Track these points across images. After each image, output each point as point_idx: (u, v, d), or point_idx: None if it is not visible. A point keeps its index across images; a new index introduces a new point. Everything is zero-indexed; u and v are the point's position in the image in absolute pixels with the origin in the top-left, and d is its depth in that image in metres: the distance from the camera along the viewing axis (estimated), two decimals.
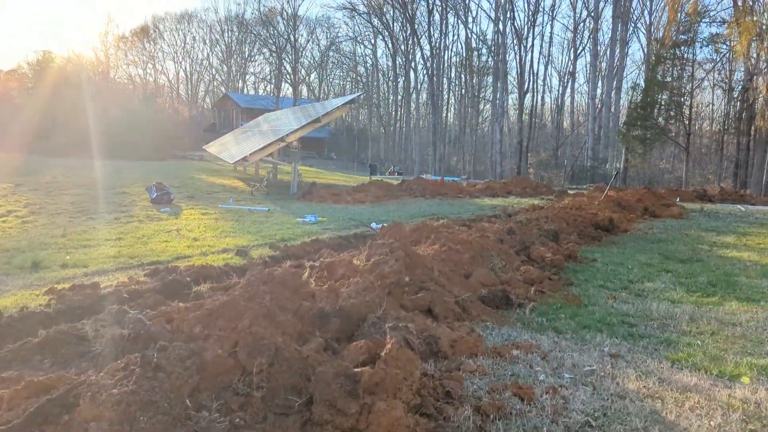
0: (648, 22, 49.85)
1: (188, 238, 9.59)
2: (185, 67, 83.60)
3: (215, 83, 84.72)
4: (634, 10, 47.96)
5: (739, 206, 21.16)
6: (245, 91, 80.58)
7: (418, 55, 61.20)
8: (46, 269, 7.06)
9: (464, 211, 16.03)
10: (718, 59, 39.66)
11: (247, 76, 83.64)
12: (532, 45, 51.68)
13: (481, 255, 6.83)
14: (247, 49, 78.14)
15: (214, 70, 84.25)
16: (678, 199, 21.80)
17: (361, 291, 4.10)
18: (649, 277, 7.44)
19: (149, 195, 14.78)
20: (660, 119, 38.88)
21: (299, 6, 69.42)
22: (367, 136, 62.95)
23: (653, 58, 40.14)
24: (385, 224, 11.64)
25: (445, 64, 61.17)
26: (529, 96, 53.26)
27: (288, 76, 67.39)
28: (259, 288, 3.63)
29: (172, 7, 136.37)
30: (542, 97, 66.12)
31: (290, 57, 64.18)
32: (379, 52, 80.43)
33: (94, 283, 5.77)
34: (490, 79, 58.68)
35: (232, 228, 10.81)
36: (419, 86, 66.19)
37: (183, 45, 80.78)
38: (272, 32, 64.29)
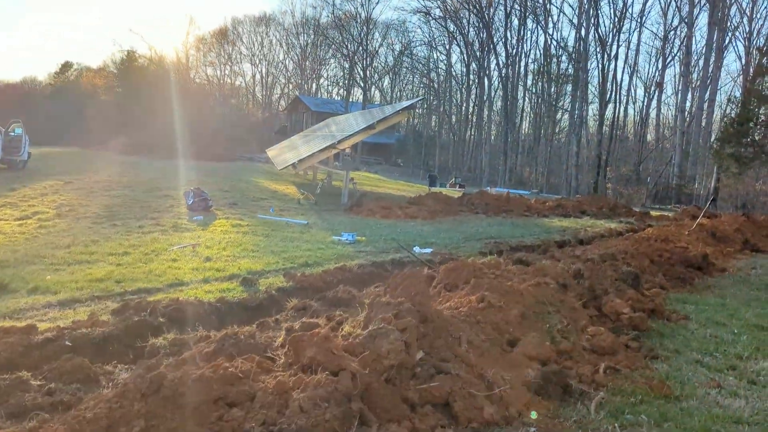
0: (747, 30, 45.79)
1: (201, 257, 8.40)
2: (261, 70, 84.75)
3: (290, 86, 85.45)
4: (731, 17, 44.19)
5: None
6: (319, 94, 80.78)
7: (493, 62, 59.01)
8: (9, 294, 5.99)
9: (528, 233, 14.22)
10: None
11: (321, 80, 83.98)
12: (617, 53, 48.33)
13: (534, 311, 5.19)
14: (320, 52, 78.25)
15: (289, 73, 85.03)
16: None
17: (322, 401, 2.63)
18: (763, 350, 5.56)
19: (186, 201, 13.85)
20: (758, 136, 35.18)
21: (373, 9, 68.46)
22: (435, 144, 61.28)
23: (753, 68, 36.45)
24: (430, 250, 10.13)
25: (521, 72, 58.79)
26: (610, 107, 50.04)
27: (359, 80, 66.71)
28: (131, 407, 2.24)
29: (251, 10, 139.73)
30: (625, 109, 62.46)
31: (362, 61, 63.44)
32: (454, 58, 78.34)
33: (29, 326, 4.55)
34: (568, 87, 55.86)
35: (257, 246, 9.57)
36: (493, 93, 63.93)
37: (260, 47, 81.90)
38: (346, 36, 63.80)
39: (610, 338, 5.17)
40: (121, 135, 42.13)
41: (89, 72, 62.16)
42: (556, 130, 64.23)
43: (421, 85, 77.66)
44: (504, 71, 56.78)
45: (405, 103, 23.75)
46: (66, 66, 62.54)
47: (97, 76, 59.06)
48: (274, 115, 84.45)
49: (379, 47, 71.09)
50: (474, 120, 65.16)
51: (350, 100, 65.88)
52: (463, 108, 68.67)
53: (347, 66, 66.14)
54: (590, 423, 3.73)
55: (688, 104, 46.53)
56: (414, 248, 10.24)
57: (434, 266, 9.21)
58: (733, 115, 36.71)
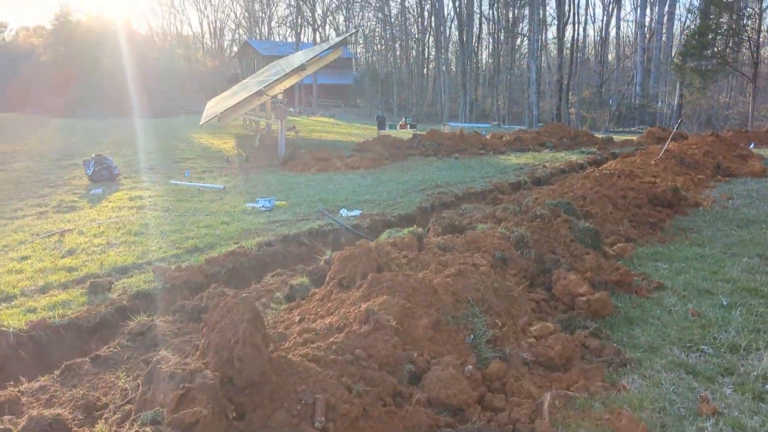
0: None
1: (63, 249, 6.71)
2: (208, 16, 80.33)
3: (240, 31, 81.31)
4: None
5: None
6: (272, 38, 76.80)
7: None
8: None
9: (480, 176, 12.73)
10: None
11: (273, 23, 79.84)
12: None
13: (453, 315, 3.70)
14: None
15: (238, 17, 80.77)
16: (752, 145, 17.90)
17: None
18: (765, 333, 4.18)
19: (86, 171, 11.96)
20: (720, 47, 33.80)
21: None
22: (393, 81, 58.84)
23: None
24: (359, 212, 8.58)
25: None
26: (569, 28, 48.01)
27: (308, 19, 63.19)
28: None
29: None
30: (584, 29, 60.58)
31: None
32: None
33: None
34: (526, 11, 53.38)
35: (145, 226, 7.88)
36: (449, 23, 61.13)
37: None
38: None
39: (561, 341, 3.73)
40: (60, 95, 39.39)
41: (25, 31, 58.07)
42: (517, 57, 62.14)
43: (377, 21, 74.08)
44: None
45: (337, 39, 21.68)
46: (0, 26, 58.14)
47: (34, 35, 55.23)
48: (226, 63, 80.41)
49: None
50: (431, 53, 62.57)
51: (302, 40, 62.44)
52: (421, 41, 65.91)
53: (294, 3, 62.38)
54: None
55: (647, 19, 44.85)
56: (341, 211, 8.67)
57: (363, 233, 7.71)
58: (694, 27, 35.23)
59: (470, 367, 3.32)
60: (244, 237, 7.21)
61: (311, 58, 15.28)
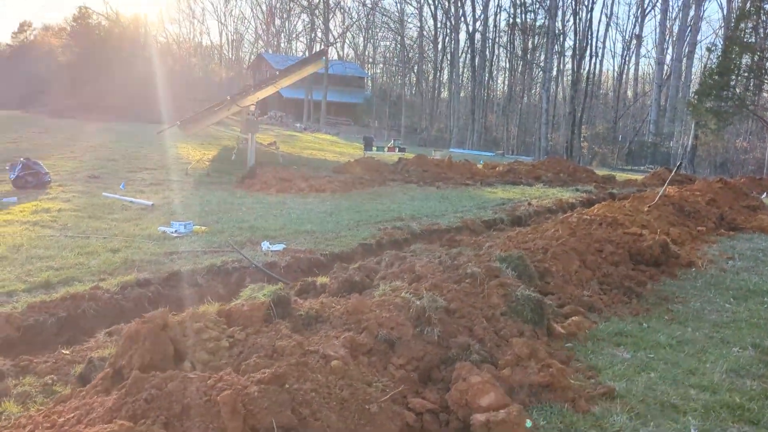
0: None
1: None
2: (228, 27, 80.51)
3: (259, 44, 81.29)
4: None
5: None
6: (290, 52, 76.45)
7: (468, 14, 55.11)
8: None
9: (454, 210, 11.36)
10: None
11: (291, 39, 79.69)
12: (593, 2, 44.73)
13: None
14: (286, 6, 73.64)
15: (259, 30, 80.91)
16: (765, 195, 16.39)
17: None
18: None
19: (9, 175, 10.74)
20: (740, 88, 32.31)
21: None
22: (402, 103, 57.87)
23: (735, 13, 33.40)
24: (282, 246, 7.23)
25: (493, 24, 55.07)
26: (586, 61, 46.77)
27: (322, 36, 62.62)
28: None
29: None
30: (601, 62, 59.35)
31: (324, 14, 59.28)
32: (427, 11, 74.08)
33: None
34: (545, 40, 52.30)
35: (19, 247, 6.57)
36: (467, 49, 60.21)
37: (225, 3, 77.28)
38: None
39: None
40: (71, 97, 39.01)
41: (45, 32, 58.12)
42: (533, 87, 61.03)
43: (396, 42, 73.41)
44: (473, 25, 53.12)
45: (311, 56, 20.73)
46: (24, 25, 58.08)
47: (54, 36, 55.18)
48: (243, 74, 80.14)
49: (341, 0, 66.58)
50: (443, 77, 61.64)
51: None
52: (436, 65, 65.03)
53: (308, 20, 61.97)
54: None
55: (668, 58, 43.55)
56: (263, 244, 7.32)
57: (277, 275, 6.36)
58: (713, 66, 33.79)
59: None
60: (121, 272, 5.88)
61: (284, 69, 14.11)
